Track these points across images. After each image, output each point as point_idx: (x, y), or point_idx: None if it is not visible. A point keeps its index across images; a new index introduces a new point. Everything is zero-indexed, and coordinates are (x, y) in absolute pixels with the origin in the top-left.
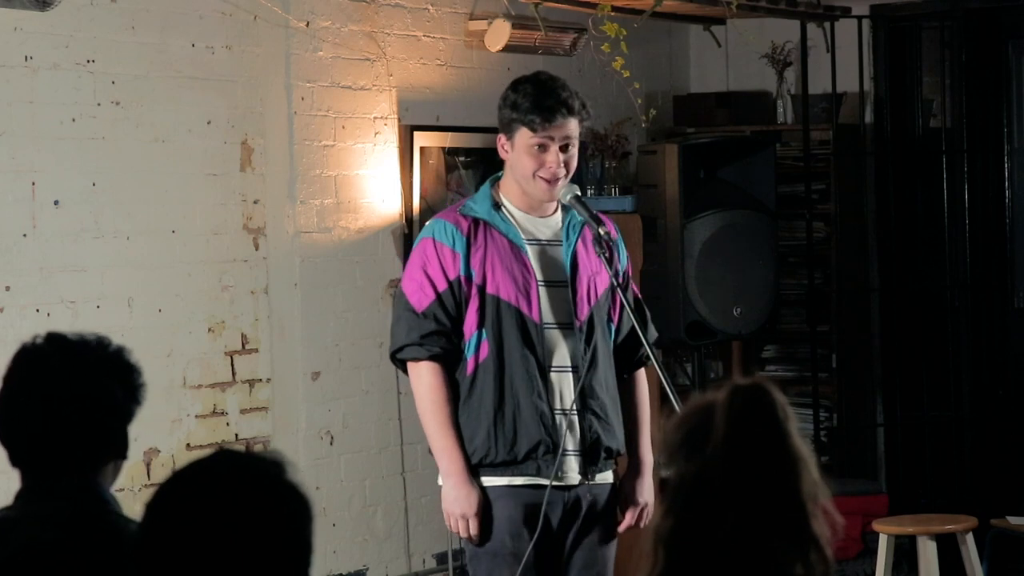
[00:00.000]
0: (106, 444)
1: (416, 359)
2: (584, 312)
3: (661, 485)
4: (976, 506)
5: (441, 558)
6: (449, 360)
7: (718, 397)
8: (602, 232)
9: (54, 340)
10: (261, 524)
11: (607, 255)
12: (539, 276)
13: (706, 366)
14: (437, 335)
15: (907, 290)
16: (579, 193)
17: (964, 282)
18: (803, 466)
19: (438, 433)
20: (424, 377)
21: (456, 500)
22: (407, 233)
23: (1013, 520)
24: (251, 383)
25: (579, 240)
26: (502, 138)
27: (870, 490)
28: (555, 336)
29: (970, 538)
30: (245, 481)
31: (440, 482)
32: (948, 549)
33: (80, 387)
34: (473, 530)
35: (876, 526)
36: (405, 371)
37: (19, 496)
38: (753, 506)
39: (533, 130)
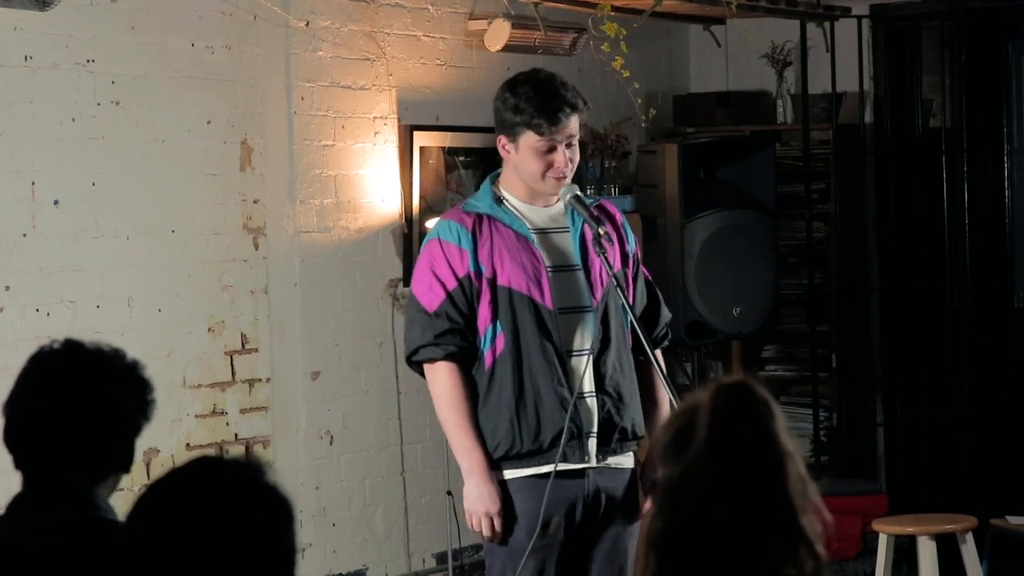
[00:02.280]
0: (113, 455)
1: (432, 359)
2: (599, 293)
3: (652, 486)
4: (976, 506)
5: (441, 558)
6: (465, 358)
7: (702, 398)
8: (601, 232)
9: (71, 346)
10: (241, 528)
11: (605, 254)
12: (548, 263)
13: (706, 366)
14: (451, 333)
15: (907, 290)
16: (579, 193)
17: (964, 282)
18: (789, 462)
19: (458, 433)
20: (441, 377)
21: (479, 499)
22: (407, 233)
23: (1013, 520)
24: (251, 383)
25: (584, 224)
26: (503, 139)
27: (870, 490)
28: (571, 320)
29: (970, 538)
30: (222, 485)
31: None
32: (948, 549)
33: (94, 396)
34: (497, 527)
35: (876, 526)
36: (422, 373)
37: (15, 502)
38: (740, 505)
39: (540, 134)
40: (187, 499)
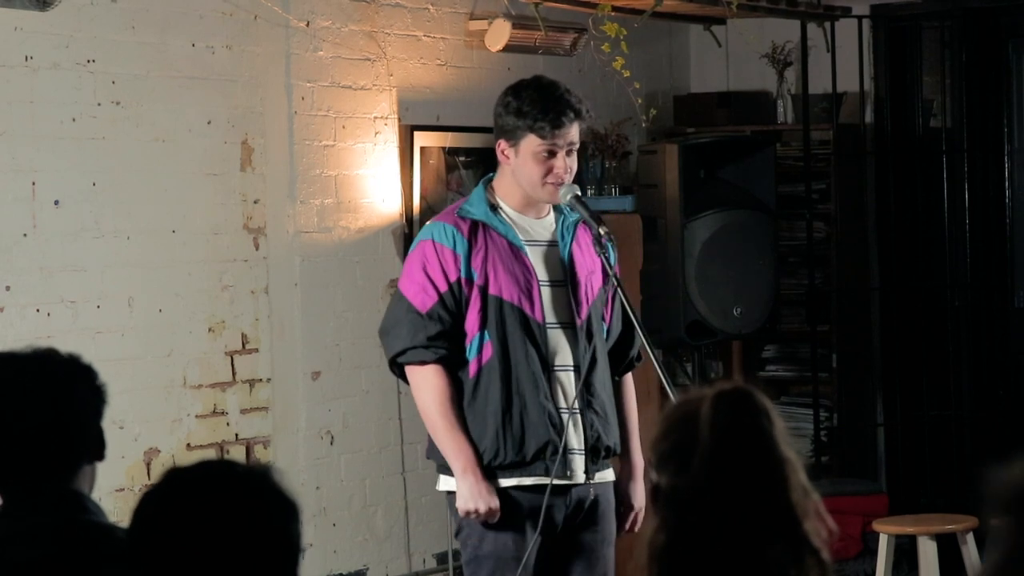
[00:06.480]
0: (85, 444)
1: (423, 362)
2: (584, 311)
3: (654, 492)
4: (976, 506)
5: (441, 558)
6: (452, 363)
7: (702, 405)
8: (602, 231)
9: (3, 357)
10: (246, 531)
11: (606, 254)
12: (540, 276)
13: (706, 366)
14: (442, 337)
15: (907, 290)
16: (579, 193)
17: (964, 282)
18: (790, 471)
19: (449, 434)
20: (431, 380)
21: (479, 496)
22: (407, 233)
23: None
24: (251, 383)
25: (573, 241)
26: (503, 143)
27: (870, 490)
28: (557, 335)
29: (970, 538)
30: (227, 487)
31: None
32: (948, 549)
33: (47, 391)
34: (493, 520)
35: (876, 526)
36: (402, 374)
37: (1, 515)
38: (744, 515)
39: (543, 137)
40: (193, 501)
